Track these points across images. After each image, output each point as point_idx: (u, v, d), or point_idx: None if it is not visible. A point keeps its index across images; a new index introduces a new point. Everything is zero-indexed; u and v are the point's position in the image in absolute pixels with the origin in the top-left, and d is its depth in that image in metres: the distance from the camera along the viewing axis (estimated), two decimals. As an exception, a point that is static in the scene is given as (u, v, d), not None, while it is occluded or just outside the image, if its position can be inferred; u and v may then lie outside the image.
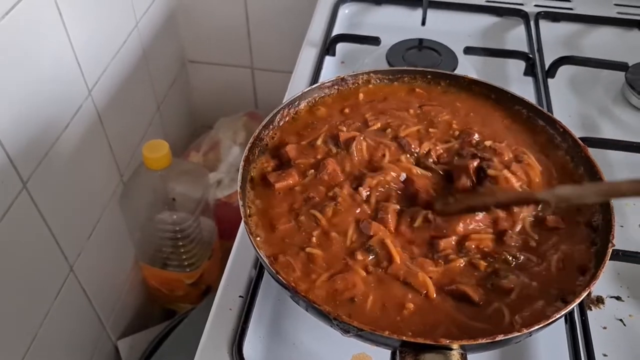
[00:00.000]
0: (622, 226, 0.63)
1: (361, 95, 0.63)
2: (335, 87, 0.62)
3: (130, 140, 1.08)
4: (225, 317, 0.53)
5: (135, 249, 1.12)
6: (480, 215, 0.50)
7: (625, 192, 0.45)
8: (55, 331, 0.88)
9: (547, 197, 0.49)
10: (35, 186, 0.78)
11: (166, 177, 0.99)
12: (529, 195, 0.52)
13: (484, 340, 0.40)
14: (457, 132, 0.58)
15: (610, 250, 0.46)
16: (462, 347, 0.40)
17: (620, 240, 0.60)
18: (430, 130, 0.58)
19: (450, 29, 0.88)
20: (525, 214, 0.50)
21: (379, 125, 0.58)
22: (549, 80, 0.79)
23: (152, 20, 1.11)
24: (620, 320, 0.55)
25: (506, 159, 0.54)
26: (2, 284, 0.75)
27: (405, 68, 0.64)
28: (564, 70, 0.81)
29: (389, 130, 0.58)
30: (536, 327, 0.41)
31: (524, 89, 0.78)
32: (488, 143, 0.56)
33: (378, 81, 0.64)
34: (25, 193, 0.76)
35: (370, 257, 0.47)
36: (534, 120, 0.59)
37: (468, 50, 0.82)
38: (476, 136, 0.57)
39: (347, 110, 0.61)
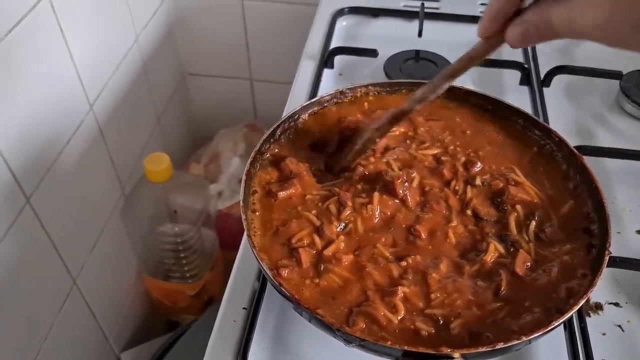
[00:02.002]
0: (619, 232, 0.63)
1: (366, 104, 0.64)
2: (334, 100, 0.63)
3: (131, 154, 1.09)
4: (230, 329, 0.54)
5: (137, 261, 1.13)
6: None
7: (467, 63, 0.48)
8: (59, 344, 0.88)
9: (409, 106, 0.52)
10: (39, 201, 0.79)
11: (167, 189, 1.00)
12: (394, 112, 0.54)
13: (484, 349, 0.41)
14: (463, 159, 0.59)
15: (606, 258, 0.47)
16: (463, 355, 0.41)
17: (618, 246, 0.61)
18: (443, 158, 0.59)
19: (447, 39, 0.89)
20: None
21: (397, 132, 0.61)
22: (545, 90, 0.80)
23: (152, 35, 1.12)
24: (619, 326, 0.56)
25: (501, 186, 0.55)
26: (7, 298, 0.75)
27: (402, 80, 0.65)
28: (559, 79, 0.82)
29: (408, 140, 0.61)
30: (535, 335, 0.42)
31: (520, 98, 0.79)
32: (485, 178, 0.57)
33: (376, 94, 0.65)
34: (29, 208, 0.77)
35: None
36: (529, 131, 0.60)
37: (464, 61, 0.83)
38: (478, 165, 0.58)
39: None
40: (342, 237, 0.51)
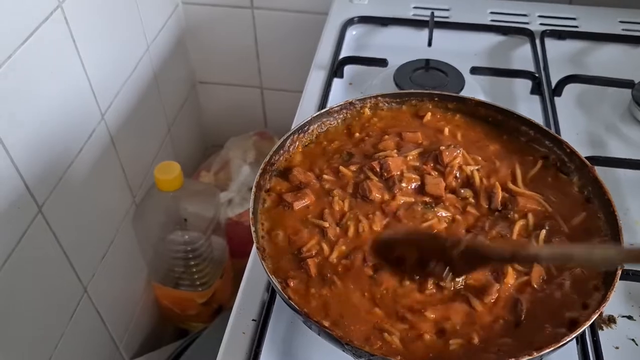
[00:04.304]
0: (632, 244, 0.63)
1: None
2: (344, 111, 0.63)
3: (142, 162, 1.10)
4: (239, 341, 0.54)
5: (147, 269, 1.13)
6: None
7: None
8: (70, 352, 0.89)
9: (539, 255, 0.48)
10: (50, 210, 0.79)
11: (178, 197, 1.01)
12: (519, 254, 0.49)
13: (495, 365, 0.41)
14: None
15: (619, 272, 0.46)
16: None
17: (631, 259, 0.60)
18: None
19: (457, 48, 0.89)
20: None
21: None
22: (556, 99, 0.80)
23: (163, 44, 1.13)
24: (632, 340, 0.55)
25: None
26: (19, 306, 0.76)
27: (412, 91, 0.65)
28: (570, 88, 0.81)
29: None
30: (547, 350, 0.42)
31: (531, 107, 0.79)
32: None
33: (386, 104, 0.64)
34: (41, 217, 0.78)
35: None
36: (538, 142, 0.60)
37: (474, 70, 0.83)
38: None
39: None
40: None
